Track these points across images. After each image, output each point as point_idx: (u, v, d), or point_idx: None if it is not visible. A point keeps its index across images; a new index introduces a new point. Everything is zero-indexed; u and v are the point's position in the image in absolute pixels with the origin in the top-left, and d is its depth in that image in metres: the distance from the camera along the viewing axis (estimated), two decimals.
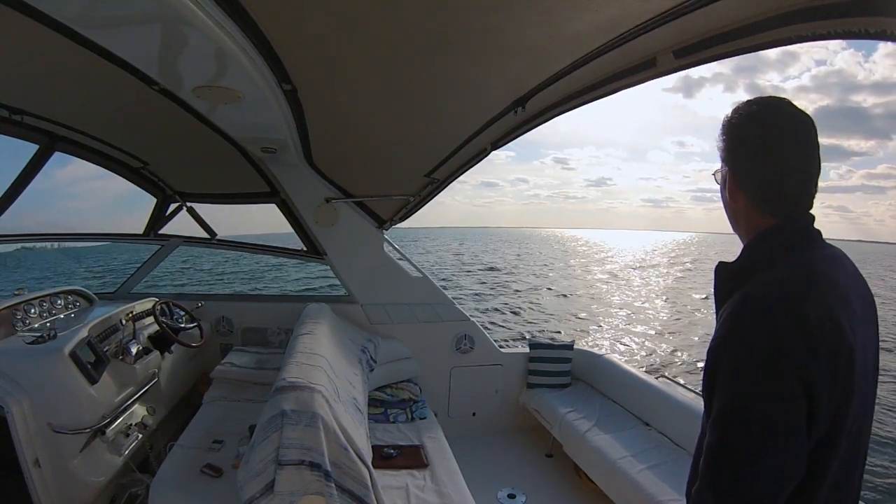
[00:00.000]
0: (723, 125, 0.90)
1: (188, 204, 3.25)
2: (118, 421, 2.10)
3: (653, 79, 1.55)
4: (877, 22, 0.94)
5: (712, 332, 0.84)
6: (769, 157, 0.84)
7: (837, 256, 0.87)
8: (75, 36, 1.27)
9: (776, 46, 1.19)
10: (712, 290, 0.92)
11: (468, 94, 1.78)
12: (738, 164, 0.88)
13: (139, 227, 3.35)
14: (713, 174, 0.97)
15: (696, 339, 11.69)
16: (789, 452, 0.73)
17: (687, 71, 1.49)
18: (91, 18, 1.16)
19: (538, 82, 1.61)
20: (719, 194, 0.96)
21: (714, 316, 0.91)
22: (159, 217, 3.29)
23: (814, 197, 0.86)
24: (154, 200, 3.27)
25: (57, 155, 2.54)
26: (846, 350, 0.76)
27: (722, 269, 0.90)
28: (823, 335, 0.75)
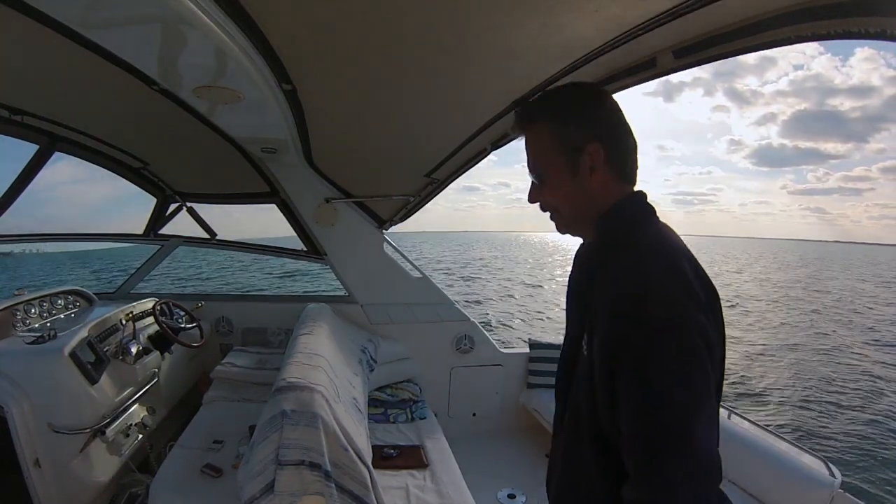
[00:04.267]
0: (572, 106, 0.93)
1: (188, 204, 3.25)
2: (118, 421, 2.10)
3: (653, 79, 1.55)
4: (877, 22, 0.94)
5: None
6: (627, 129, 0.92)
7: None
8: (75, 36, 1.27)
9: (776, 46, 1.19)
10: (571, 271, 1.00)
11: (468, 95, 1.78)
12: (609, 139, 0.91)
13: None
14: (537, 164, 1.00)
15: None
16: (712, 410, 0.76)
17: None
18: (91, 19, 1.16)
19: (538, 82, 1.61)
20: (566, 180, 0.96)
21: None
22: (159, 217, 3.29)
23: None
24: (154, 200, 3.27)
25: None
26: (718, 300, 0.82)
27: (586, 249, 0.99)
28: (704, 290, 0.79)
